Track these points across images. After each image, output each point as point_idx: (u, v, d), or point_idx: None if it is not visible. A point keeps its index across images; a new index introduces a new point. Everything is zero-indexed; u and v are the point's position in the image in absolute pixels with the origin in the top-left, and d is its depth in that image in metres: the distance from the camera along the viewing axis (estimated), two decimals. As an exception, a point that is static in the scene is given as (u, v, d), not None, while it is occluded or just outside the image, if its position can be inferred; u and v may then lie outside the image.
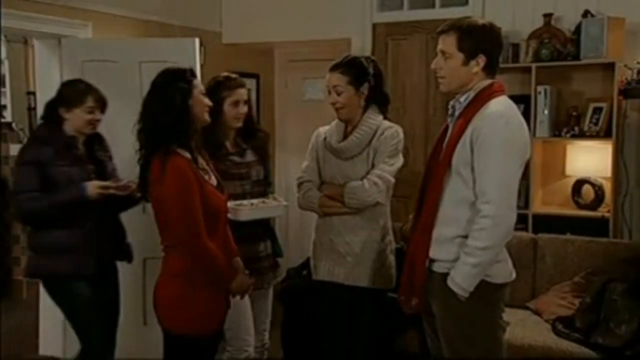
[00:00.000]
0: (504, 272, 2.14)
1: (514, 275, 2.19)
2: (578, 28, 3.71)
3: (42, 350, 3.84)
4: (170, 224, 2.17)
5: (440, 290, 2.12)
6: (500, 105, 2.09)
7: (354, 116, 2.54)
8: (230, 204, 2.52)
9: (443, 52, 2.13)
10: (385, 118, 2.57)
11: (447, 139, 2.16)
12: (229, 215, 2.49)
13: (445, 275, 2.09)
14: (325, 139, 2.63)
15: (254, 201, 2.66)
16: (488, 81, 2.13)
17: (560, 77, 3.87)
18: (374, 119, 2.52)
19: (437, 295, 2.14)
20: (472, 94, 2.12)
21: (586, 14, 3.70)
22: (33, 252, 2.74)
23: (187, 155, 2.19)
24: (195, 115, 2.21)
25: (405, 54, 4.36)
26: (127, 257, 2.87)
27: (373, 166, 2.51)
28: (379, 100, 2.56)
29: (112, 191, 2.66)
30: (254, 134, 2.80)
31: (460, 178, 2.09)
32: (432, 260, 2.15)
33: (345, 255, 2.53)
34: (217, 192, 2.28)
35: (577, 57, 3.69)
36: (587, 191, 3.81)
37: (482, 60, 2.10)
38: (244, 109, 2.69)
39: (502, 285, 2.14)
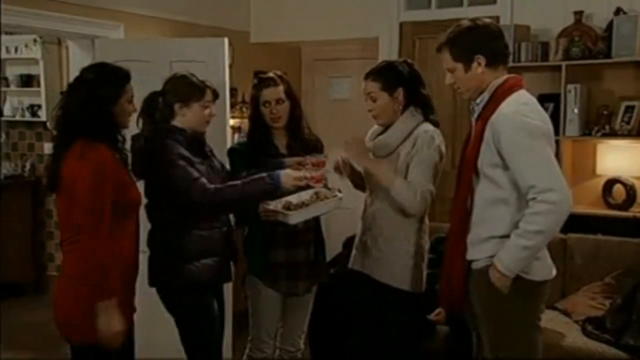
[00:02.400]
0: (543, 269, 2.12)
1: (554, 272, 2.17)
2: (610, 26, 3.66)
3: (75, 344, 3.93)
4: (75, 210, 2.06)
5: (480, 287, 2.12)
6: (514, 104, 2.07)
7: (393, 121, 2.53)
8: (279, 204, 2.44)
9: (447, 69, 2.17)
10: (428, 119, 2.52)
11: (470, 142, 2.16)
12: (279, 218, 2.43)
13: (483, 271, 2.09)
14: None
15: (305, 195, 2.50)
16: (502, 78, 2.12)
17: (591, 76, 3.82)
18: (409, 121, 2.50)
19: (477, 292, 2.14)
20: (486, 95, 2.12)
21: (618, 11, 3.65)
22: (170, 256, 2.41)
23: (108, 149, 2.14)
24: (118, 120, 2.19)
25: (432, 53, 4.27)
26: (235, 257, 2.65)
27: (407, 168, 2.46)
28: (418, 103, 2.52)
29: (306, 182, 2.42)
30: (306, 137, 2.70)
31: (488, 179, 2.08)
32: (470, 262, 2.15)
33: (371, 249, 2.54)
34: (134, 186, 2.22)
35: (608, 55, 3.64)
36: (619, 191, 3.75)
37: (481, 59, 2.10)
38: (276, 108, 2.62)
39: (542, 282, 2.12)
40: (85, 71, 2.22)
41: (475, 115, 2.16)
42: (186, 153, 2.38)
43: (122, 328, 2.09)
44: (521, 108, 2.06)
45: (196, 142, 2.48)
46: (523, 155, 2.00)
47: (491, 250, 2.08)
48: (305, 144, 2.68)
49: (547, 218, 1.98)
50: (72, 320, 2.11)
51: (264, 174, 2.38)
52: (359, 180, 2.62)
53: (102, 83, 2.15)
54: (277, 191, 2.38)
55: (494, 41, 2.14)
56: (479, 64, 2.10)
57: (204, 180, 2.35)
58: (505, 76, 2.14)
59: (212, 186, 2.35)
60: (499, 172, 2.06)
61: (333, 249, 3.82)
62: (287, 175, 2.38)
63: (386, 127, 2.57)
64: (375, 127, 2.65)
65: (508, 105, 2.06)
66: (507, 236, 2.05)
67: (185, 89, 2.45)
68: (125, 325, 2.13)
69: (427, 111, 2.54)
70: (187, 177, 2.32)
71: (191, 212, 2.38)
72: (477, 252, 2.12)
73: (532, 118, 2.05)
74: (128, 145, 2.36)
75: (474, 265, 2.14)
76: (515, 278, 2.04)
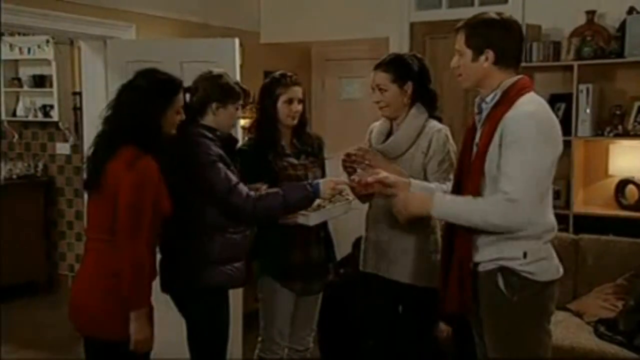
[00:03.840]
0: (549, 269, 2.09)
1: (561, 271, 2.14)
2: (622, 25, 3.63)
3: (87, 343, 3.96)
4: (117, 218, 2.07)
5: (486, 289, 2.10)
6: (530, 104, 2.03)
7: (399, 114, 2.53)
8: None
9: (457, 50, 2.14)
10: (432, 116, 2.53)
11: (477, 143, 2.11)
12: (298, 220, 2.44)
13: (489, 273, 2.08)
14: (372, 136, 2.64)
15: (319, 200, 2.51)
16: (514, 78, 2.09)
17: (603, 75, 3.79)
18: (418, 118, 2.50)
19: (483, 294, 2.12)
20: (499, 93, 2.07)
21: (631, 10, 3.63)
22: (209, 260, 2.38)
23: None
24: (164, 129, 2.18)
25: (443, 53, 4.32)
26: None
27: (425, 169, 2.47)
28: (425, 98, 2.53)
29: (343, 186, 2.43)
30: (307, 135, 2.75)
31: (494, 181, 2.05)
32: (476, 264, 2.13)
33: (387, 251, 2.54)
34: (167, 196, 2.20)
35: (621, 54, 3.61)
36: (631, 191, 3.72)
37: (490, 55, 2.06)
38: (297, 107, 2.64)
39: (549, 283, 2.08)
40: (138, 77, 2.20)
41: (484, 114, 2.12)
42: (223, 154, 2.37)
43: (151, 334, 2.15)
44: (537, 111, 2.03)
45: (230, 143, 2.47)
46: (518, 156, 1.96)
47: (497, 252, 2.06)
48: (307, 144, 2.73)
49: (496, 217, 1.98)
50: (97, 318, 2.13)
51: (304, 183, 2.40)
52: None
53: (155, 92, 2.15)
54: (315, 199, 2.40)
55: (509, 41, 2.09)
56: (487, 58, 2.07)
57: (243, 186, 2.35)
58: (517, 76, 2.11)
59: (253, 193, 2.35)
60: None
61: (342, 249, 3.82)
62: (327, 184, 2.40)
63: (391, 126, 2.56)
64: (377, 124, 2.64)
65: (524, 104, 2.02)
66: (512, 238, 2.03)
67: (224, 89, 2.43)
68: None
69: (432, 107, 2.54)
70: (227, 181, 2.31)
71: (227, 216, 2.36)
72: (483, 254, 2.10)
73: (546, 125, 2.02)
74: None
75: (480, 268, 2.11)
76: (522, 279, 2.02)
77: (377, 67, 2.54)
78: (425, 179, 2.46)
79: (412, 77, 2.50)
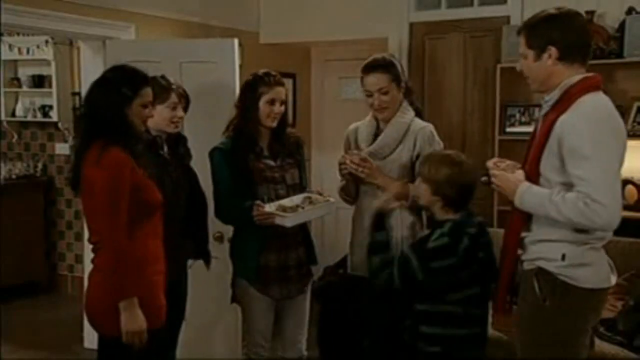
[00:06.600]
0: (594, 276, 1.99)
1: (613, 280, 2.05)
2: (622, 25, 3.63)
3: (87, 344, 3.93)
4: (94, 215, 2.11)
5: (526, 289, 2.05)
6: (587, 105, 1.94)
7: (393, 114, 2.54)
8: (272, 207, 2.46)
9: (521, 54, 2.09)
10: (417, 111, 2.55)
11: (534, 144, 2.06)
12: (276, 221, 2.43)
13: (527, 273, 2.04)
14: (357, 137, 2.63)
15: (297, 199, 2.51)
16: (576, 77, 2.00)
17: (603, 76, 3.70)
18: (406, 116, 2.50)
19: (522, 293, 2.08)
20: (557, 93, 2.01)
21: (630, 11, 3.63)
22: None
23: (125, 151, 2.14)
24: (132, 122, 2.18)
25: (442, 53, 4.33)
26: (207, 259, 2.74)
27: (412, 165, 2.46)
28: (406, 93, 2.56)
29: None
30: (286, 136, 2.68)
31: (548, 183, 2.00)
32: (521, 261, 2.09)
33: None
34: (153, 186, 2.22)
35: (620, 55, 3.61)
36: (631, 192, 3.72)
37: (552, 52, 1.99)
38: (279, 108, 2.57)
39: (592, 290, 1.98)
40: (105, 72, 2.26)
41: (542, 112, 2.06)
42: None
43: (144, 327, 2.09)
44: (594, 113, 1.94)
45: (153, 144, 2.50)
46: (591, 160, 1.87)
47: (538, 251, 2.02)
48: (286, 145, 2.68)
49: (581, 219, 1.89)
50: (103, 314, 2.15)
51: None
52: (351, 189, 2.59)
53: (118, 84, 2.17)
54: None
55: (571, 34, 2.01)
56: (550, 56, 2.00)
57: None
58: (580, 75, 2.02)
59: None
60: (560, 176, 1.97)
61: (340, 250, 3.81)
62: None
63: (377, 125, 2.55)
64: (359, 125, 2.62)
65: (580, 107, 1.94)
66: (560, 240, 1.97)
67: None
68: (149, 324, 2.13)
69: (412, 98, 2.57)
70: None
71: None
72: (529, 253, 2.05)
73: (606, 128, 1.94)
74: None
75: (525, 266, 2.06)
76: (558, 282, 1.96)
77: (372, 69, 2.50)
78: (413, 177, 2.44)
79: (404, 75, 2.55)
